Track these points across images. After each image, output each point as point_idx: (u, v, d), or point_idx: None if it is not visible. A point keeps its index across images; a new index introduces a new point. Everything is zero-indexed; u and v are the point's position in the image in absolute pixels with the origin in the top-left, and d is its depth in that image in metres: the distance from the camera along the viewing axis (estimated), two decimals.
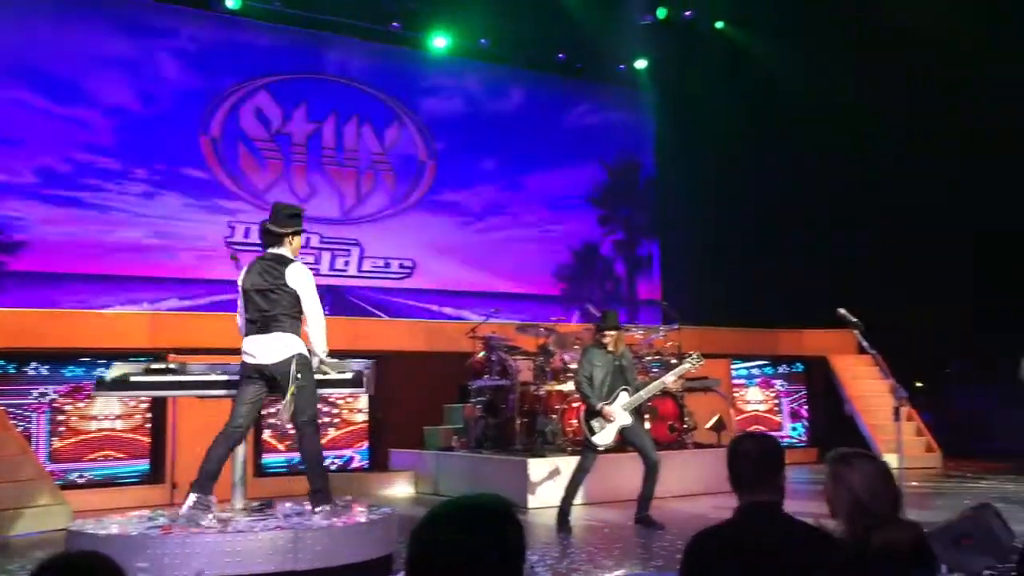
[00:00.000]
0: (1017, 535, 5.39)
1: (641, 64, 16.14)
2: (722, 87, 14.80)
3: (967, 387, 13.97)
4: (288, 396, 5.57)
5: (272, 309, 5.71)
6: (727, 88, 14.77)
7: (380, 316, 13.29)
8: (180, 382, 6.14)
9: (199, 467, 5.69)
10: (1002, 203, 12.57)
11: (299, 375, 5.63)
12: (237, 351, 5.98)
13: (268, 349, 5.68)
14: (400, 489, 10.08)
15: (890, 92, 13.12)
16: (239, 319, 5.95)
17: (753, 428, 12.67)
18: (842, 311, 6.52)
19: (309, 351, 5.81)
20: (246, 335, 5.81)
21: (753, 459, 2.86)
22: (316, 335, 5.80)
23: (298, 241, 6.03)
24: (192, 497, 5.60)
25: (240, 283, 5.90)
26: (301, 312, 5.78)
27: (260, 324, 5.71)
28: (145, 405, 9.33)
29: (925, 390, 13.92)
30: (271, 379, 5.73)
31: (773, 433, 12.69)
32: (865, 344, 6.52)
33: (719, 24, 15.51)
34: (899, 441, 6.02)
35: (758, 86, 14.46)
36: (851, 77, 13.23)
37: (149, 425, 9.40)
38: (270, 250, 5.92)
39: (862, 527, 2.86)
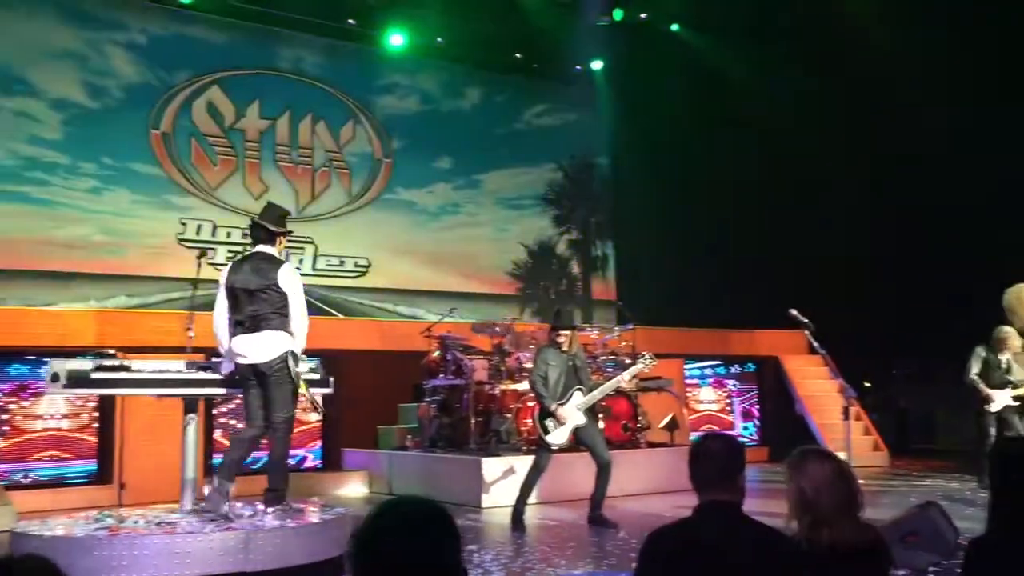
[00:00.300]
0: (961, 532, 5.52)
1: (597, 65, 16.24)
2: (678, 89, 14.93)
3: (913, 388, 14.25)
4: (305, 390, 5.80)
5: (262, 309, 5.77)
6: (683, 90, 14.90)
7: (335, 315, 13.19)
8: (151, 380, 5.96)
9: (225, 456, 5.88)
10: (951, 207, 12.83)
11: (299, 370, 5.80)
12: (182, 349, 5.91)
13: (259, 348, 5.74)
14: (353, 489, 10.02)
15: (843, 96, 13.32)
16: (219, 319, 5.93)
17: (706, 427, 12.81)
18: (793, 312, 6.63)
19: None
20: (234, 336, 5.81)
21: (716, 459, 2.87)
22: (299, 336, 5.90)
23: (284, 243, 6.16)
24: (215, 480, 5.70)
25: (224, 282, 5.91)
26: (288, 310, 5.84)
27: (249, 324, 5.76)
28: (92, 404, 9.15)
29: (872, 390, 14.19)
30: (260, 376, 5.77)
31: (725, 432, 12.87)
32: (815, 344, 6.64)
33: (674, 27, 15.64)
34: (848, 440, 6.12)
35: (713, 89, 14.61)
36: (805, 80, 13.42)
37: (96, 425, 9.22)
38: (259, 248, 5.99)
39: (810, 524, 2.89)
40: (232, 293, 5.85)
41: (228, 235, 13.00)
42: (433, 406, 9.92)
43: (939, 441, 13.86)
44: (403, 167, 14.71)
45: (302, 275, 13.26)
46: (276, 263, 5.93)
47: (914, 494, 8.77)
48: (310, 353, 6.82)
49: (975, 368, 9.07)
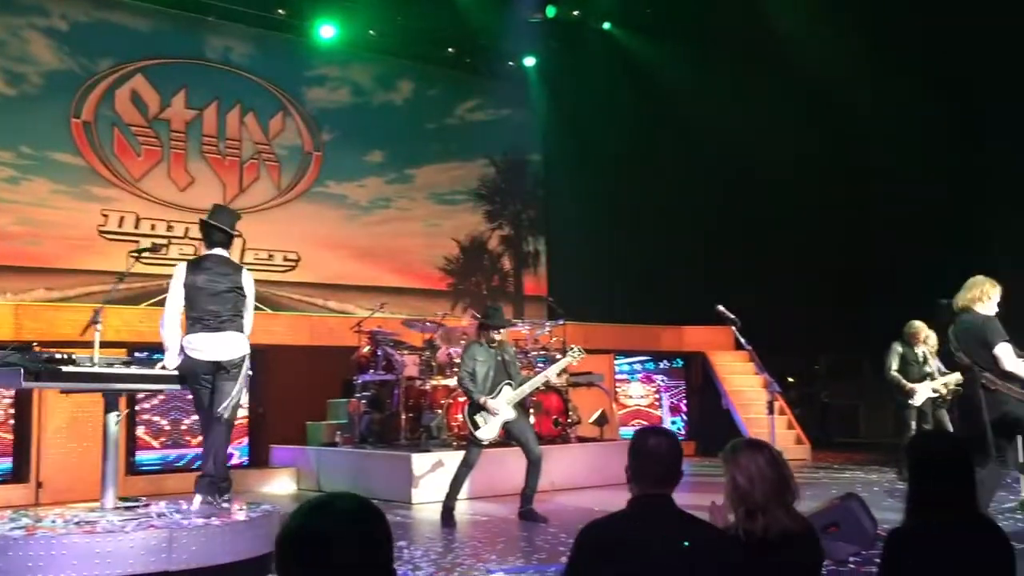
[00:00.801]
0: (880, 523, 5.68)
1: (530, 61, 16.26)
2: (610, 88, 15.05)
3: (835, 383, 14.61)
4: (237, 389, 5.97)
5: (225, 310, 5.99)
6: (615, 88, 15.03)
7: (263, 309, 12.96)
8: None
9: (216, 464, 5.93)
10: (878, 206, 13.21)
11: (250, 372, 6.13)
12: (106, 344, 5.79)
13: (223, 346, 5.94)
14: (281, 486, 9.88)
15: (777, 95, 13.58)
16: (175, 316, 6.02)
17: (636, 422, 12.96)
18: (720, 308, 6.73)
19: None
20: (191, 332, 5.95)
21: (661, 458, 2.88)
22: (248, 339, 6.19)
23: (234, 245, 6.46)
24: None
25: (182, 280, 6.02)
26: (243, 313, 6.13)
27: (213, 323, 5.94)
28: (8, 400, 8.85)
29: (796, 385, 14.54)
30: (218, 372, 5.95)
31: (666, 428, 13.04)
32: (742, 340, 6.76)
33: (606, 25, 15.75)
34: (771, 434, 6.23)
35: (645, 87, 14.77)
36: (733, 81, 13.65)
37: (12, 422, 8.91)
38: (217, 251, 6.17)
39: (745, 514, 2.94)
40: (193, 292, 5.98)
41: (152, 227, 12.69)
42: (363, 402, 9.86)
43: (861, 434, 14.24)
44: (334, 160, 14.54)
45: None
46: (238, 267, 6.24)
47: (835, 486, 8.99)
48: None
49: (894, 364, 9.32)
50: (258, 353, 9.62)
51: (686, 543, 2.70)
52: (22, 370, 5.27)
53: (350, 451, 9.66)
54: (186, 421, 9.65)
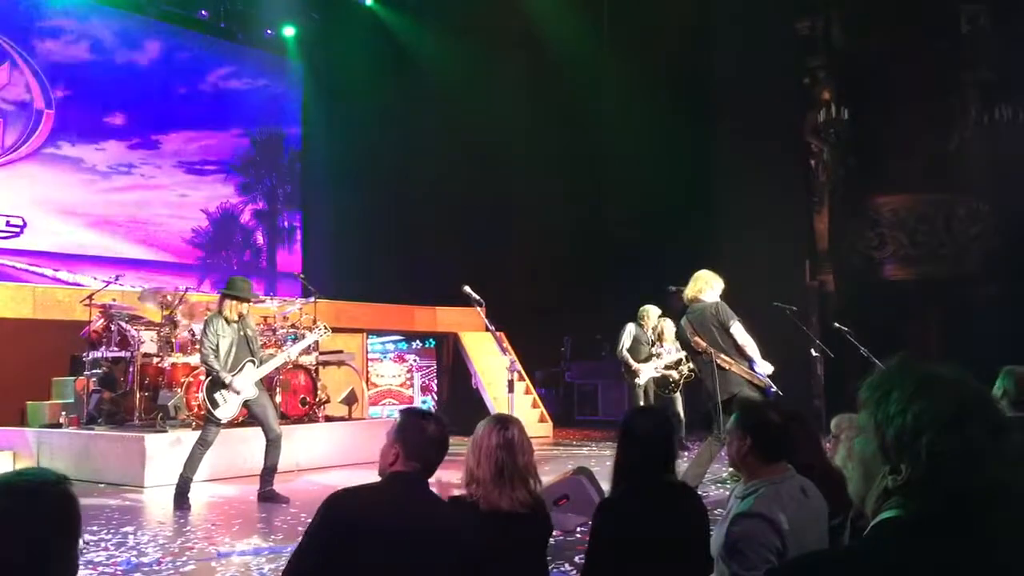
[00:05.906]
0: (607, 495, 6.03)
1: (290, 32, 15.80)
2: (371, 64, 14.92)
3: (578, 363, 15.33)
4: None
5: None
6: (376, 66, 14.92)
7: None
8: None
9: None
10: (611, 198, 13.95)
11: None
12: None
13: None
14: None
15: (532, 84, 13.98)
16: None
17: (387, 402, 12.99)
18: (467, 289, 6.87)
19: None
20: None
21: (427, 439, 2.87)
22: None
23: None
24: None
25: None
26: None
27: None
28: None
29: (544, 365, 15.14)
30: None
31: (405, 406, 13.14)
32: (486, 321, 6.95)
33: (369, 2, 15.59)
34: (512, 412, 6.46)
35: (405, 67, 14.76)
36: (489, 64, 13.96)
37: None
38: None
39: (493, 486, 3.01)
40: None
41: None
42: (93, 380, 9.24)
43: (599, 412, 15.03)
44: (69, 120, 13.44)
45: None
46: None
47: (571, 461, 9.45)
48: None
49: (626, 343, 9.92)
50: None
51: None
52: None
53: (76, 432, 9.01)
54: None
